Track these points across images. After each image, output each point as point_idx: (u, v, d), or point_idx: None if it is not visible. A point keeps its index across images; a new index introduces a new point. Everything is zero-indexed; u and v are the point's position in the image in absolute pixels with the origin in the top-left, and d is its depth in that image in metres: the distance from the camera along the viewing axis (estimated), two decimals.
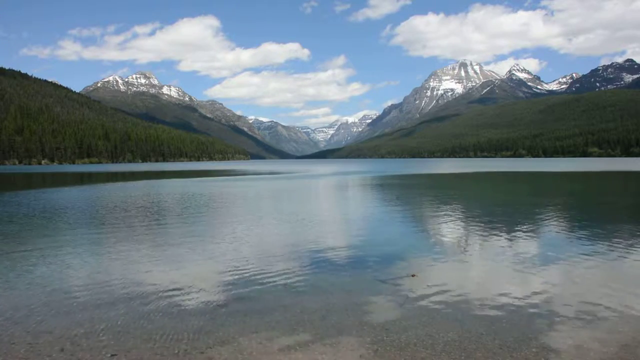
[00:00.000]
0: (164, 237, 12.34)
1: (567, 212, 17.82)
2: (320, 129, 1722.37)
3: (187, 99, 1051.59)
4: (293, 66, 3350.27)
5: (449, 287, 7.27)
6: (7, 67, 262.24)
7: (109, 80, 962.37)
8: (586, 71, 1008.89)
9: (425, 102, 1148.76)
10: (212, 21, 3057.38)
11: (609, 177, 45.09)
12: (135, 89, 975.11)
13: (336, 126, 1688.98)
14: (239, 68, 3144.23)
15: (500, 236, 11.80)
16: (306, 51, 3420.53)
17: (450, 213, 16.78)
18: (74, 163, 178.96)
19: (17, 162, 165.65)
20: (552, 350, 4.95)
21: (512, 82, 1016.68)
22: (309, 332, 5.51)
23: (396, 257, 9.56)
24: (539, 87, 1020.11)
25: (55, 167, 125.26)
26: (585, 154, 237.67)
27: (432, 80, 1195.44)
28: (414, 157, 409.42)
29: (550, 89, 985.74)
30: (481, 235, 12.07)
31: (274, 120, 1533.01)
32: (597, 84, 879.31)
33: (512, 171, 62.50)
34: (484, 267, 8.82)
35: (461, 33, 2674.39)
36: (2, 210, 18.43)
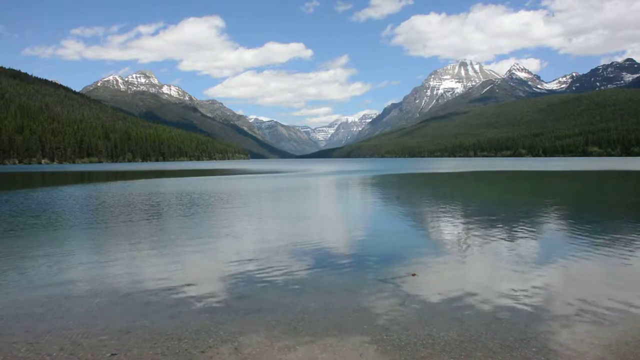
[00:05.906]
0: (164, 236, 12.35)
1: (567, 211, 17.83)
2: (320, 129, 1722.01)
3: (186, 98, 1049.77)
4: (295, 66, 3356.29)
5: (449, 286, 7.27)
6: (8, 67, 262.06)
7: (109, 80, 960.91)
8: (586, 71, 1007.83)
9: (425, 101, 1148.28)
10: (216, 21, 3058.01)
11: (609, 177, 45.06)
12: (135, 88, 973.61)
13: (336, 125, 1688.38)
14: (241, 68, 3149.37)
15: (500, 236, 11.79)
16: (309, 51, 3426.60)
17: (451, 212, 16.77)
18: (74, 162, 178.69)
19: (17, 162, 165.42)
20: (552, 350, 4.95)
21: (513, 82, 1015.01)
22: (309, 332, 5.51)
23: (396, 257, 9.56)
24: (539, 86, 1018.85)
25: (55, 167, 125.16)
26: (585, 154, 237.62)
27: (432, 79, 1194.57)
28: (414, 156, 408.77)
29: (550, 88, 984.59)
30: (481, 235, 12.07)
31: (275, 120, 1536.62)
32: (597, 84, 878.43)
33: (512, 170, 62.47)
34: (484, 266, 8.82)
35: (462, 33, 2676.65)
36: (2, 209, 18.42)
